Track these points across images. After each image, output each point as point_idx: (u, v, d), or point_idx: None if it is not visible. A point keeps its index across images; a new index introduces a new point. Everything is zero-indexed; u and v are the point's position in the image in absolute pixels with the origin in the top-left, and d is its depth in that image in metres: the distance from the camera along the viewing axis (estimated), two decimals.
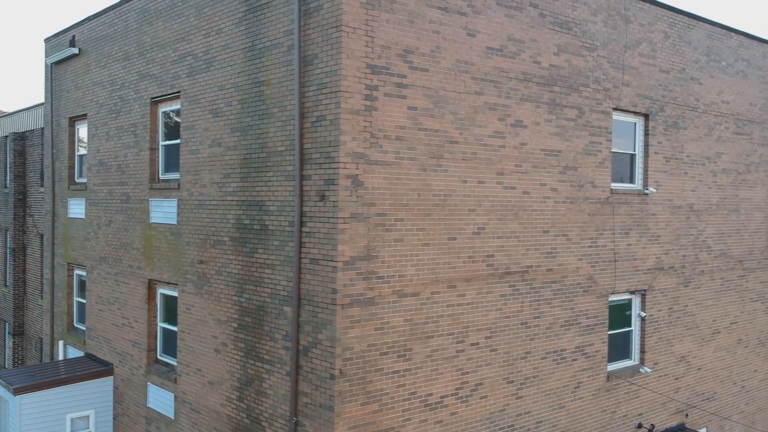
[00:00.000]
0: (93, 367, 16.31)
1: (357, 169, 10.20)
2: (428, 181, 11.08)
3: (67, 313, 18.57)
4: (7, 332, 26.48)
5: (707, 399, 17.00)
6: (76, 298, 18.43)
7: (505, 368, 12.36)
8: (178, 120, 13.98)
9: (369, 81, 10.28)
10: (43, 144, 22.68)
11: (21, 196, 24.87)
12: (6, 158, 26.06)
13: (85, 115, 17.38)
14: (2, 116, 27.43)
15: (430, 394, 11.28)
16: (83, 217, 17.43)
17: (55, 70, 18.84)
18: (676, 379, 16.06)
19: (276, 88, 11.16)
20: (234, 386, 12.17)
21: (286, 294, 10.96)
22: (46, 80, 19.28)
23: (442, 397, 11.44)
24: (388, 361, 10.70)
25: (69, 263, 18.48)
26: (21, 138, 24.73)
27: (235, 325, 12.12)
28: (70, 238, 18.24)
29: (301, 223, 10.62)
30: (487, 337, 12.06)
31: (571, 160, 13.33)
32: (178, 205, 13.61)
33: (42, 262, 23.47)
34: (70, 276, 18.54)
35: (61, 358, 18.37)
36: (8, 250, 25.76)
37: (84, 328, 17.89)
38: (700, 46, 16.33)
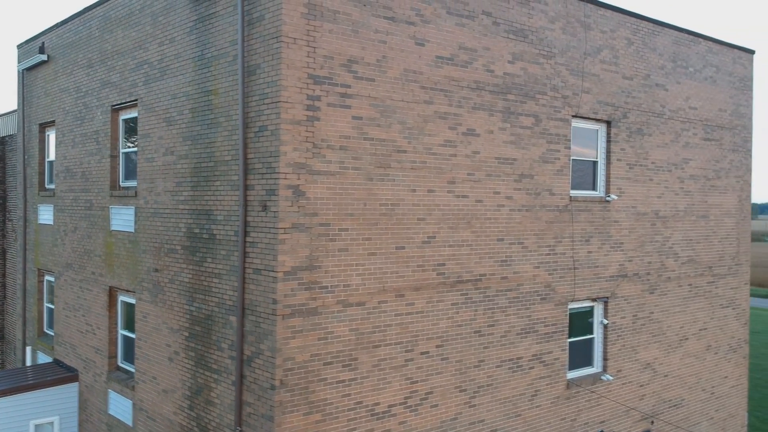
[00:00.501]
0: (59, 374, 16.34)
1: (298, 179, 10.20)
2: (375, 190, 11.08)
3: (38, 319, 18.62)
4: None
5: (674, 406, 16.96)
6: (46, 304, 18.48)
7: (457, 377, 12.35)
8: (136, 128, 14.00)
9: (311, 91, 10.28)
10: (16, 150, 22.73)
11: (1, 201, 24.91)
12: None
13: (54, 121, 17.42)
14: None
15: (377, 404, 11.27)
16: (52, 223, 17.47)
17: (26, 76, 18.89)
18: (641, 386, 16.02)
19: (223, 97, 11.17)
20: (185, 395, 12.19)
21: (232, 304, 10.97)
22: (19, 86, 19.33)
23: (390, 406, 11.43)
24: (332, 371, 10.69)
25: (39, 269, 18.53)
26: (0, 143, 24.76)
27: (186, 334, 12.13)
28: (40, 244, 18.29)
29: (245, 233, 10.63)
30: (438, 346, 12.04)
31: (527, 168, 13.31)
32: (136, 213, 13.64)
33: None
34: (41, 282, 18.59)
35: (29, 363, 18.41)
36: None
37: (53, 334, 17.93)
38: (666, 52, 16.29)
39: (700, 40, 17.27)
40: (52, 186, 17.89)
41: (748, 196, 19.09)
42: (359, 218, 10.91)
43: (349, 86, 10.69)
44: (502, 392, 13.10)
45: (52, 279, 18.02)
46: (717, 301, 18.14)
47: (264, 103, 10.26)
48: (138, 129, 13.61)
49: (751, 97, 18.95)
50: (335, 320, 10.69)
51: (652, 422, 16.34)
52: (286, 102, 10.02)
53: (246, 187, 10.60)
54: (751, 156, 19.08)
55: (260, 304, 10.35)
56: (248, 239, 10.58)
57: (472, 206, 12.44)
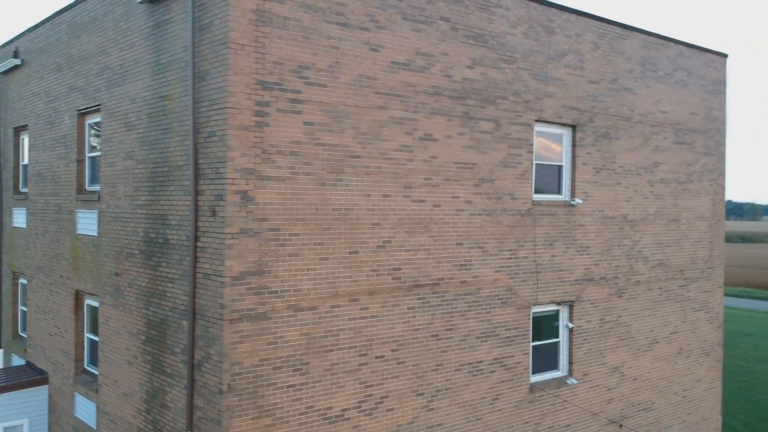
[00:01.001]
0: (29, 376, 16.43)
1: (247, 184, 10.26)
2: (327, 195, 11.13)
3: (12, 322, 18.72)
4: None
5: (644, 410, 16.97)
6: (21, 307, 18.58)
7: (413, 380, 12.39)
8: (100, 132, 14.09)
9: (260, 97, 10.34)
10: None
11: None
12: None
13: (27, 125, 17.52)
14: None
15: (330, 408, 11.32)
16: (25, 226, 17.57)
17: (2, 80, 19.00)
18: (608, 390, 16.04)
19: (176, 102, 11.24)
20: (143, 398, 12.25)
21: (184, 308, 11.03)
22: None
23: (344, 410, 11.48)
24: (282, 375, 10.75)
25: (14, 272, 18.63)
26: None
27: (144, 338, 12.20)
28: (14, 247, 18.39)
29: (196, 238, 10.69)
30: (393, 350, 12.09)
31: (487, 172, 13.35)
32: (99, 217, 13.72)
33: None
34: (15, 285, 18.69)
35: (2, 365, 18.50)
36: None
37: (26, 337, 18.03)
38: (635, 56, 16.31)
39: (671, 43, 17.29)
40: (26, 190, 17.99)
41: (722, 200, 19.09)
42: (311, 223, 10.96)
43: (299, 92, 10.75)
44: (461, 396, 13.14)
45: (25, 282, 18.12)
46: (689, 304, 18.15)
47: (213, 109, 10.32)
48: (101, 133, 13.69)
49: (724, 101, 18.95)
50: (285, 325, 10.74)
51: (621, 426, 16.35)
52: (234, 108, 10.08)
53: (197, 192, 10.67)
54: (724, 159, 19.08)
55: (209, 309, 10.42)
56: (199, 244, 10.65)
57: (429, 211, 12.49)
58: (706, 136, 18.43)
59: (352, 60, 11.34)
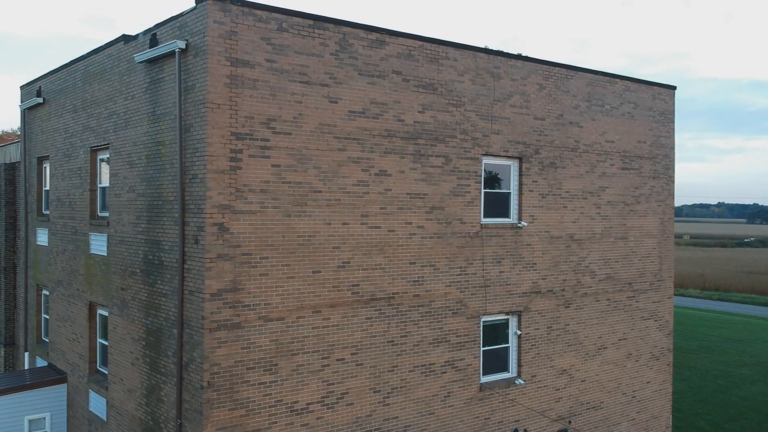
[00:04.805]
0: (50, 376, 18.87)
1: (223, 218, 12.54)
2: (292, 225, 13.39)
3: (37, 328, 21.21)
4: (1, 342, 29.27)
5: (593, 408, 18.99)
6: (44, 315, 21.06)
7: (371, 380, 14.58)
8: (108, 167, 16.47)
9: (234, 146, 12.62)
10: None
11: (11, 220, 27.63)
12: (0, 186, 28.86)
13: (48, 156, 20.00)
14: None
15: (296, 402, 13.55)
16: (47, 245, 20.04)
17: (27, 114, 21.53)
18: (557, 390, 18.10)
19: (169, 148, 13.57)
20: (143, 393, 14.58)
21: (175, 319, 13.34)
22: (21, 123, 21.97)
23: (308, 404, 13.71)
24: (254, 374, 13.00)
25: (38, 284, 21.12)
26: (11, 168, 27.49)
27: (144, 343, 14.54)
28: (38, 263, 20.88)
29: (183, 261, 12.99)
30: (353, 354, 14.29)
31: (437, 201, 15.52)
32: (108, 240, 16.10)
33: None
34: (39, 295, 21.19)
35: (28, 366, 20.99)
36: (1, 268, 28.58)
37: (48, 341, 20.49)
38: (580, 93, 18.39)
39: (617, 80, 19.34)
40: (48, 212, 20.46)
41: (671, 218, 21.05)
42: (279, 248, 13.22)
43: (268, 140, 13.02)
44: (415, 393, 15.30)
45: (47, 293, 20.59)
46: (638, 314, 20.13)
47: (195, 156, 12.63)
48: (110, 168, 16.07)
49: (672, 129, 20.92)
50: (257, 333, 13.00)
51: (570, 422, 18.39)
52: (212, 155, 12.38)
53: (183, 223, 12.97)
54: (673, 182, 21.04)
55: (193, 320, 12.71)
56: (185, 266, 12.95)
57: (384, 235, 14.68)
58: (654, 161, 20.42)
59: (314, 111, 13.60)
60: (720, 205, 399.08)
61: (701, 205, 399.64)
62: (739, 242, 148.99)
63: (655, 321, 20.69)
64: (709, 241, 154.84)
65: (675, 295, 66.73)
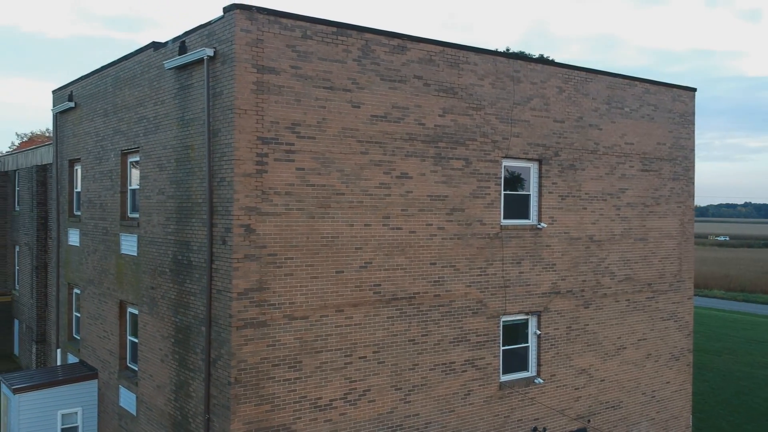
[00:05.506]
0: (81, 372, 19.47)
1: (249, 219, 12.98)
2: (316, 226, 13.79)
3: (68, 325, 21.86)
4: (33, 339, 30.08)
5: (612, 407, 19.18)
6: (75, 313, 21.70)
7: (392, 377, 14.94)
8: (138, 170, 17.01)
9: (260, 150, 13.05)
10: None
11: (43, 221, 28.43)
12: (32, 187, 29.68)
13: (80, 158, 20.62)
14: (30, 149, 31.12)
15: (320, 398, 13.95)
16: (78, 245, 20.67)
17: (59, 118, 22.18)
18: (575, 389, 18.32)
19: (197, 152, 14.04)
20: (172, 389, 15.08)
21: (203, 317, 13.80)
22: (53, 126, 22.65)
23: (331, 400, 14.10)
24: (279, 371, 13.42)
25: (69, 283, 21.77)
26: (43, 170, 28.29)
27: (173, 340, 15.03)
28: (69, 262, 21.52)
29: (212, 261, 13.45)
30: (374, 352, 14.66)
31: (458, 203, 15.83)
32: (138, 240, 16.63)
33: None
34: (70, 294, 21.83)
35: (59, 363, 21.64)
36: (33, 267, 29.37)
37: (79, 339, 21.13)
38: (600, 96, 18.60)
39: (636, 83, 19.50)
40: (79, 213, 21.09)
41: (691, 220, 21.16)
42: (303, 249, 13.63)
43: (292, 144, 13.43)
44: (436, 391, 15.63)
45: (78, 292, 21.22)
46: (657, 314, 20.27)
47: (223, 160, 13.08)
48: (140, 171, 16.60)
49: (692, 130, 21.03)
50: (282, 331, 13.42)
51: (589, 421, 18.61)
52: (239, 159, 12.81)
53: (212, 225, 13.43)
54: (693, 183, 21.14)
55: (221, 318, 13.16)
56: (213, 266, 13.40)
57: (405, 236, 15.04)
58: (674, 163, 20.55)
59: (337, 116, 13.98)
60: (747, 205, 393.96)
61: (727, 205, 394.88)
62: (766, 243, 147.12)
63: (675, 322, 20.81)
64: (735, 241, 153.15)
65: (699, 296, 66.39)
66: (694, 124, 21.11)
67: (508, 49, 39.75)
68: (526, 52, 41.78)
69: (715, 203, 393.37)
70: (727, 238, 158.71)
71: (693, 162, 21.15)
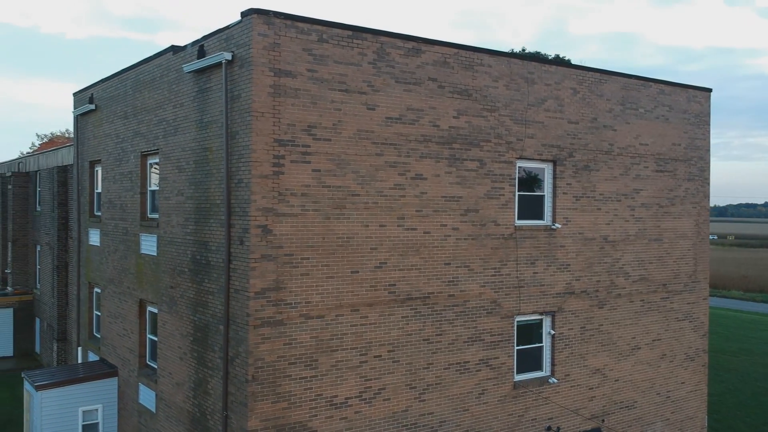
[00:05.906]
0: (102, 369, 19.83)
1: (266, 220, 13.21)
2: (332, 227, 14.00)
3: (89, 324, 22.25)
4: (54, 337, 30.57)
5: (626, 407, 19.24)
6: (95, 312, 22.08)
7: (407, 376, 15.12)
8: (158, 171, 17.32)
9: (276, 152, 13.28)
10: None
11: (63, 221, 28.87)
12: (53, 188, 30.16)
13: (100, 160, 20.99)
14: (51, 150, 31.64)
15: (336, 396, 14.16)
16: (98, 244, 21.03)
17: (79, 120, 22.57)
18: (590, 389, 18.40)
19: (216, 154, 14.30)
20: (191, 387, 15.35)
21: (221, 316, 14.06)
22: (74, 128, 23.05)
23: (347, 398, 14.31)
24: (296, 369, 13.65)
25: (89, 282, 22.15)
26: (63, 171, 28.73)
27: (191, 339, 15.31)
28: (90, 262, 21.90)
29: (229, 261, 13.70)
30: (389, 351, 14.85)
31: (472, 203, 15.98)
32: (158, 240, 16.93)
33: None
34: (91, 293, 22.21)
35: (80, 360, 22.03)
36: (54, 266, 29.85)
37: (99, 337, 21.49)
38: (614, 97, 18.66)
39: (651, 83, 19.53)
40: (99, 213, 21.46)
41: (706, 220, 21.14)
42: (319, 249, 13.84)
43: (309, 146, 13.65)
44: (450, 390, 15.79)
45: (99, 291, 21.59)
46: (672, 314, 20.29)
47: (241, 162, 13.32)
48: (159, 172, 16.90)
49: (707, 131, 21.02)
50: (298, 330, 13.64)
51: (603, 420, 18.68)
52: (256, 161, 13.05)
53: (229, 225, 13.68)
54: (708, 184, 21.13)
55: (239, 317, 13.41)
56: (231, 266, 13.66)
57: (420, 237, 15.21)
58: (689, 163, 20.56)
59: (353, 118, 14.18)
60: (767, 204, 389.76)
61: (747, 205, 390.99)
62: None
63: (690, 322, 20.82)
64: (754, 241, 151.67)
65: (717, 296, 65.93)
66: (709, 124, 21.09)
67: (524, 50, 39.84)
68: (543, 52, 41.90)
69: (735, 203, 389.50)
70: (732, 238, 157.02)
71: (708, 162, 21.13)
